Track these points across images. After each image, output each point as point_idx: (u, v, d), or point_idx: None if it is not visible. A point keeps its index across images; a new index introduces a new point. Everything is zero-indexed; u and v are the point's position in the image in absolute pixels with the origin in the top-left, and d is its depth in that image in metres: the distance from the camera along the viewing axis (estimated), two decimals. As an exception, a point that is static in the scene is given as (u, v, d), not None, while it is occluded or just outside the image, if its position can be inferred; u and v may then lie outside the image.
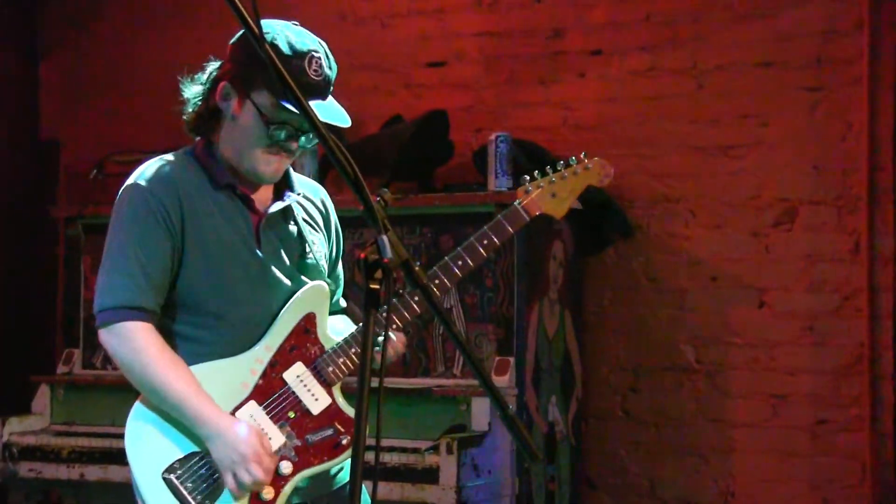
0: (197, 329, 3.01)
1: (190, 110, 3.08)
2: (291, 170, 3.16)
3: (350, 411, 3.02)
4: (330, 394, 3.03)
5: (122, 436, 4.98)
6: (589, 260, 5.49)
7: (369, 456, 2.23)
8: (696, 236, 5.39)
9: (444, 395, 4.72)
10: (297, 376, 3.02)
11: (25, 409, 5.37)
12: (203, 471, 2.95)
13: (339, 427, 3.02)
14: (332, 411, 3.02)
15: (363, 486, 2.81)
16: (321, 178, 5.33)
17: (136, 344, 2.93)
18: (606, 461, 5.47)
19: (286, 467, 2.98)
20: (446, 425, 4.64)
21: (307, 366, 3.03)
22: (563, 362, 5.23)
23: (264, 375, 3.01)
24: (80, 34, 6.46)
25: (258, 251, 3.03)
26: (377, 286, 2.23)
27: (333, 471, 3.11)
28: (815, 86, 5.20)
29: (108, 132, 6.25)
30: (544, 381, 5.03)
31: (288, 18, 3.08)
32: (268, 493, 2.96)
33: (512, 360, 4.79)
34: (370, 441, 2.22)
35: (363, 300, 2.23)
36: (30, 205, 6.30)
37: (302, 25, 3.07)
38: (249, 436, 2.92)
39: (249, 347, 3.01)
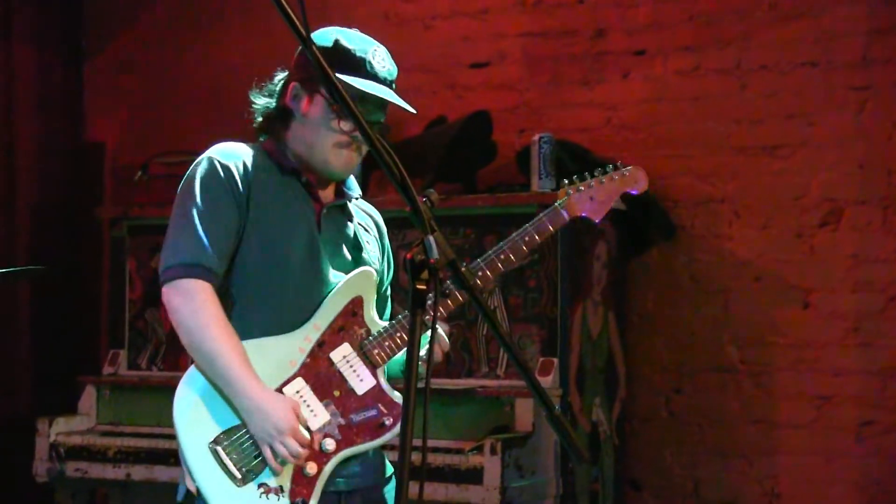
0: (249, 305, 3.08)
1: (259, 115, 3.19)
2: (354, 179, 3.26)
3: (394, 394, 3.09)
4: (375, 375, 3.10)
5: (168, 436, 5.03)
6: (632, 261, 5.47)
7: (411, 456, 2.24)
8: (741, 236, 5.36)
9: (488, 396, 4.72)
10: (344, 356, 3.09)
11: (72, 410, 5.41)
12: (248, 444, 3.01)
13: (382, 408, 3.08)
14: (377, 392, 3.09)
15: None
16: (365, 179, 5.34)
17: (197, 302, 3.00)
18: (650, 462, 5.45)
19: (329, 444, 3.05)
20: (490, 426, 4.64)
21: (354, 347, 3.10)
22: (606, 363, 5.21)
23: (312, 354, 3.08)
24: (123, 36, 6.51)
25: (317, 234, 3.11)
26: (423, 287, 2.23)
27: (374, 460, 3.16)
28: (862, 85, 5.16)
29: (152, 133, 6.29)
30: (588, 382, 5.01)
31: (333, 20, 3.15)
32: (311, 468, 3.03)
33: (556, 360, 4.78)
34: (415, 442, 2.22)
35: (409, 300, 2.23)
36: (75, 206, 6.34)
37: (344, 26, 3.15)
38: (286, 410, 2.98)
39: (299, 326, 3.08)
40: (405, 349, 2.48)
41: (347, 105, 2.31)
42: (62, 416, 5.32)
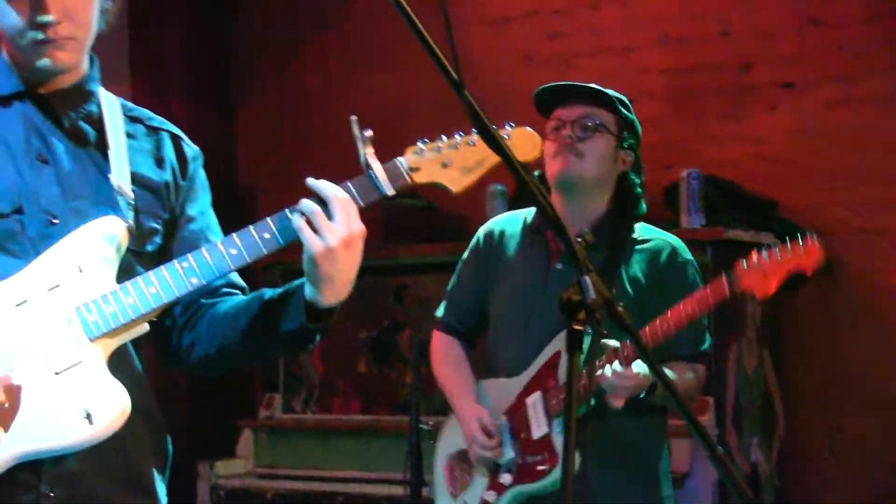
0: (493, 348, 3.57)
1: None
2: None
3: (558, 445, 3.32)
4: (549, 424, 3.35)
5: (323, 479, 5.11)
6: (788, 297, 5.36)
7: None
8: (898, 269, 5.23)
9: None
10: (534, 402, 3.38)
11: (229, 453, 5.49)
12: (464, 464, 3.45)
13: (546, 455, 3.34)
14: (546, 440, 3.35)
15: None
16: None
17: (433, 348, 3.69)
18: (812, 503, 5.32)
19: (506, 478, 3.37)
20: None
21: (542, 395, 3.38)
22: (763, 402, 5.12)
23: (518, 396, 3.41)
24: (273, 85, 6.64)
25: (546, 289, 3.42)
26: (580, 327, 2.21)
27: None
28: None
29: (302, 178, 6.38)
30: (745, 422, 4.93)
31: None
32: (490, 496, 3.38)
33: (711, 400, 4.71)
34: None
35: (566, 342, 2.21)
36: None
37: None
38: (469, 422, 3.41)
39: (522, 371, 3.43)
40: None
41: (503, 151, 2.27)
42: (221, 460, 5.41)
